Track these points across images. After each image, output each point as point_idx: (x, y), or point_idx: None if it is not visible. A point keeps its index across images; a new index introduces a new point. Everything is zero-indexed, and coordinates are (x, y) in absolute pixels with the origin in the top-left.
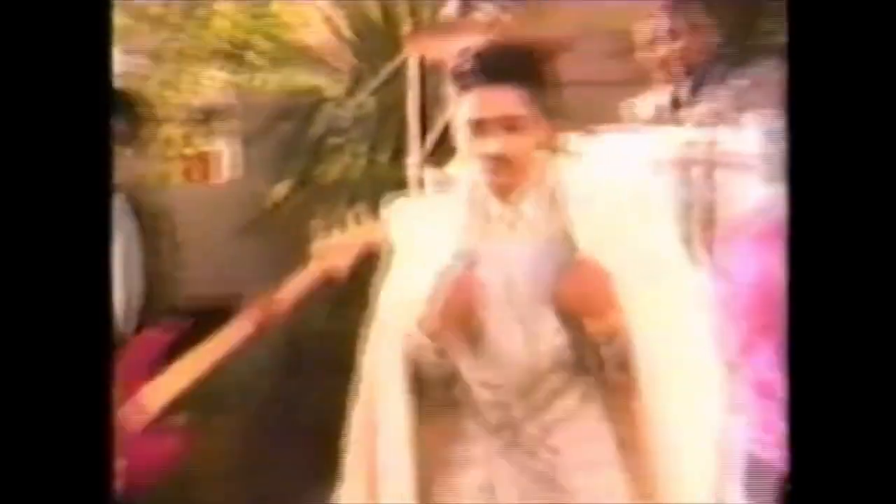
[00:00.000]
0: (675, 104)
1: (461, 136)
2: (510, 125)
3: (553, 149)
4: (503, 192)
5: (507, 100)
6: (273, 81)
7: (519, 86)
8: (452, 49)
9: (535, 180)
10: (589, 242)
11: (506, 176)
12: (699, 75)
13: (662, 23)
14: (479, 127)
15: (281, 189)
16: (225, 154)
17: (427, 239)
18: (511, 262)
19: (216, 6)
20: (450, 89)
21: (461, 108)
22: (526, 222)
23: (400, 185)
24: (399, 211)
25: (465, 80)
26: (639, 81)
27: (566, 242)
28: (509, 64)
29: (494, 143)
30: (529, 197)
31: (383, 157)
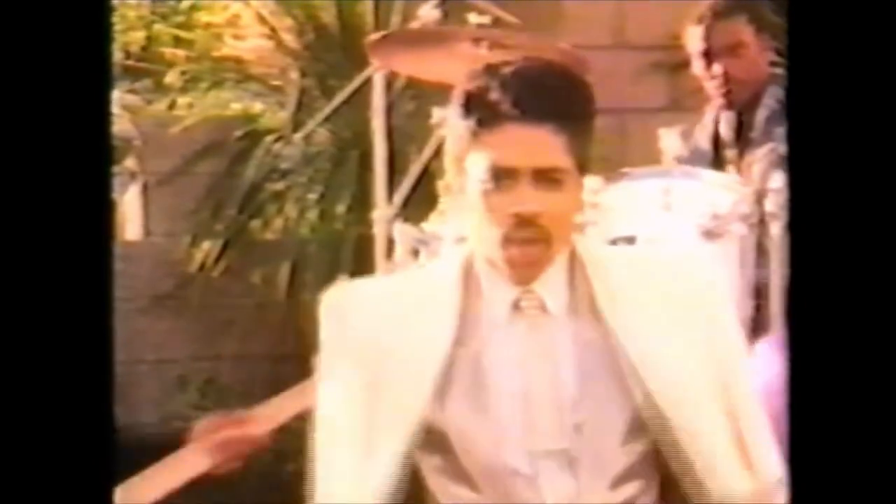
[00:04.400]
0: (716, 143)
1: (474, 188)
2: (548, 180)
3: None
4: (524, 271)
5: (548, 145)
6: (198, 108)
7: (562, 127)
8: (437, 64)
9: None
10: (642, 350)
11: (537, 251)
12: (747, 108)
13: (694, 40)
14: (507, 178)
15: (207, 248)
16: (136, 203)
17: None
18: (531, 380)
19: (127, 12)
20: (460, 123)
21: (480, 150)
22: (550, 318)
23: (362, 244)
24: (343, 297)
25: (489, 110)
26: (676, 108)
27: (610, 352)
28: (554, 95)
29: (529, 201)
30: (548, 280)
31: (340, 208)
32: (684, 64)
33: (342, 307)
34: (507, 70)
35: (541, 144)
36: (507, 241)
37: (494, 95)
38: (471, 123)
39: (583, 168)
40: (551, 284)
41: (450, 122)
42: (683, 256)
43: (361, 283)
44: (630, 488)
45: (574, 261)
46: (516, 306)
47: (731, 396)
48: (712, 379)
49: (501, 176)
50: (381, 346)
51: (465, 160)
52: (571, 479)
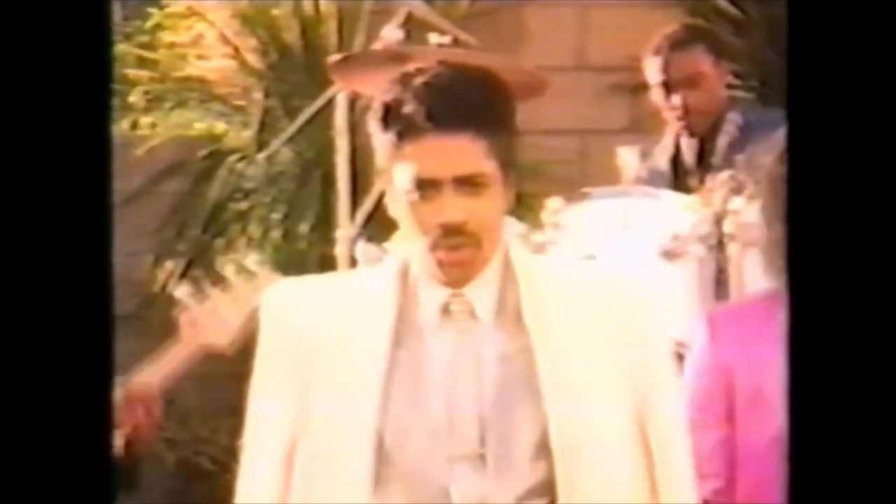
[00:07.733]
0: (675, 168)
1: (400, 202)
2: (471, 185)
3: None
4: (456, 273)
5: (467, 152)
6: (162, 128)
7: (480, 133)
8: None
9: (490, 262)
10: (551, 366)
11: (467, 253)
12: (707, 136)
13: (652, 71)
14: (430, 188)
15: (170, 268)
16: None
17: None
18: (455, 385)
19: None
20: (381, 135)
21: (401, 163)
22: (479, 324)
23: (325, 263)
24: (284, 296)
25: (406, 122)
26: (636, 130)
27: (529, 365)
28: (468, 102)
29: (453, 210)
30: (479, 285)
31: (303, 228)
32: (645, 86)
33: (283, 305)
34: (419, 80)
35: (460, 153)
36: (436, 246)
37: (409, 107)
38: (391, 136)
39: (507, 169)
40: (482, 290)
41: (373, 135)
42: (625, 276)
43: (302, 282)
44: None
45: (507, 268)
46: (446, 310)
47: (651, 428)
48: (629, 407)
49: (425, 186)
50: (319, 346)
51: (391, 172)
52: (482, 485)
